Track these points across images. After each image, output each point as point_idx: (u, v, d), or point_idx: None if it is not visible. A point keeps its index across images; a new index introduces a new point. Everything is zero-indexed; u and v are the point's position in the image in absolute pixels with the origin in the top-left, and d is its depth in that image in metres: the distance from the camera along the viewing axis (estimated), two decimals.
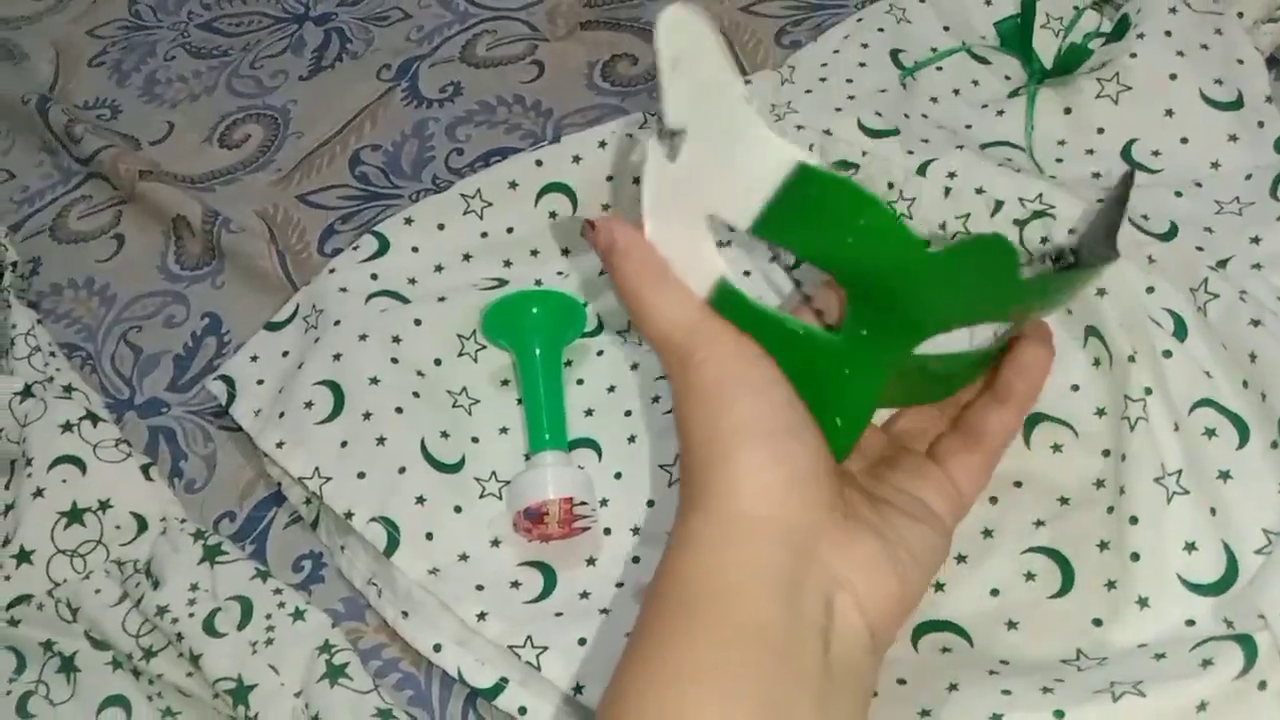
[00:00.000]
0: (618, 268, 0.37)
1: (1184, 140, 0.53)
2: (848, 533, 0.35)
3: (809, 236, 0.35)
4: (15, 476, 0.52)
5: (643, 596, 0.36)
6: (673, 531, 0.36)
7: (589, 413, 0.51)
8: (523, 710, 0.44)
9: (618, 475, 0.49)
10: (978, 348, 0.42)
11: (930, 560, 0.37)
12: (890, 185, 0.53)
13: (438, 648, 0.46)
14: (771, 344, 0.37)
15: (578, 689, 0.43)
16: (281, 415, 0.51)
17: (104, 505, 0.51)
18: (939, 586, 0.44)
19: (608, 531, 0.48)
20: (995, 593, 0.43)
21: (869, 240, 0.34)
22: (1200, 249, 0.48)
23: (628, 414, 0.50)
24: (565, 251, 0.56)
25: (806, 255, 0.36)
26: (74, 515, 0.50)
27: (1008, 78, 0.58)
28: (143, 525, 0.51)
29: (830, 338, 0.37)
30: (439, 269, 0.55)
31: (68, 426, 0.52)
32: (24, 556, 0.49)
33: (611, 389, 0.51)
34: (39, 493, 0.50)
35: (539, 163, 0.56)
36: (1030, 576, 0.43)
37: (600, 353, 0.53)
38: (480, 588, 0.46)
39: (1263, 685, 0.38)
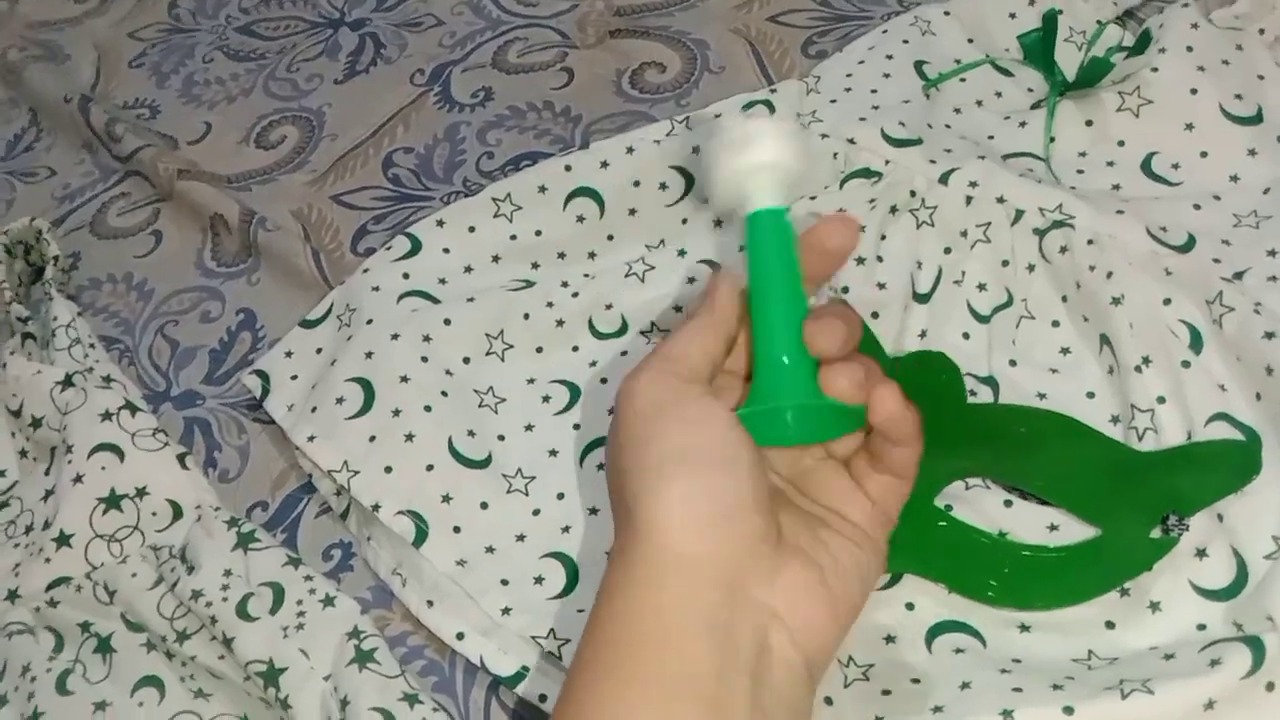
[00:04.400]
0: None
1: (1203, 154, 0.54)
2: (777, 563, 0.35)
3: None
4: (56, 463, 0.53)
5: (582, 635, 0.35)
6: (608, 569, 0.36)
7: (612, 411, 0.52)
8: (543, 698, 0.45)
9: None
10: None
11: (861, 575, 0.37)
12: (913, 193, 0.54)
13: (461, 636, 0.47)
14: None
15: None
16: (313, 410, 0.53)
17: (141, 492, 0.52)
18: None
19: None
20: None
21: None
22: (1217, 261, 0.49)
23: None
24: (591, 255, 0.57)
25: None
26: (112, 501, 0.52)
27: (1030, 90, 0.59)
28: (178, 512, 0.52)
29: None
30: (468, 270, 0.57)
31: (107, 415, 0.53)
32: (63, 540, 0.51)
33: None
34: (78, 479, 0.52)
35: (568, 168, 0.57)
36: None
37: (624, 353, 0.54)
38: (505, 582, 0.47)
39: (1270, 686, 0.38)
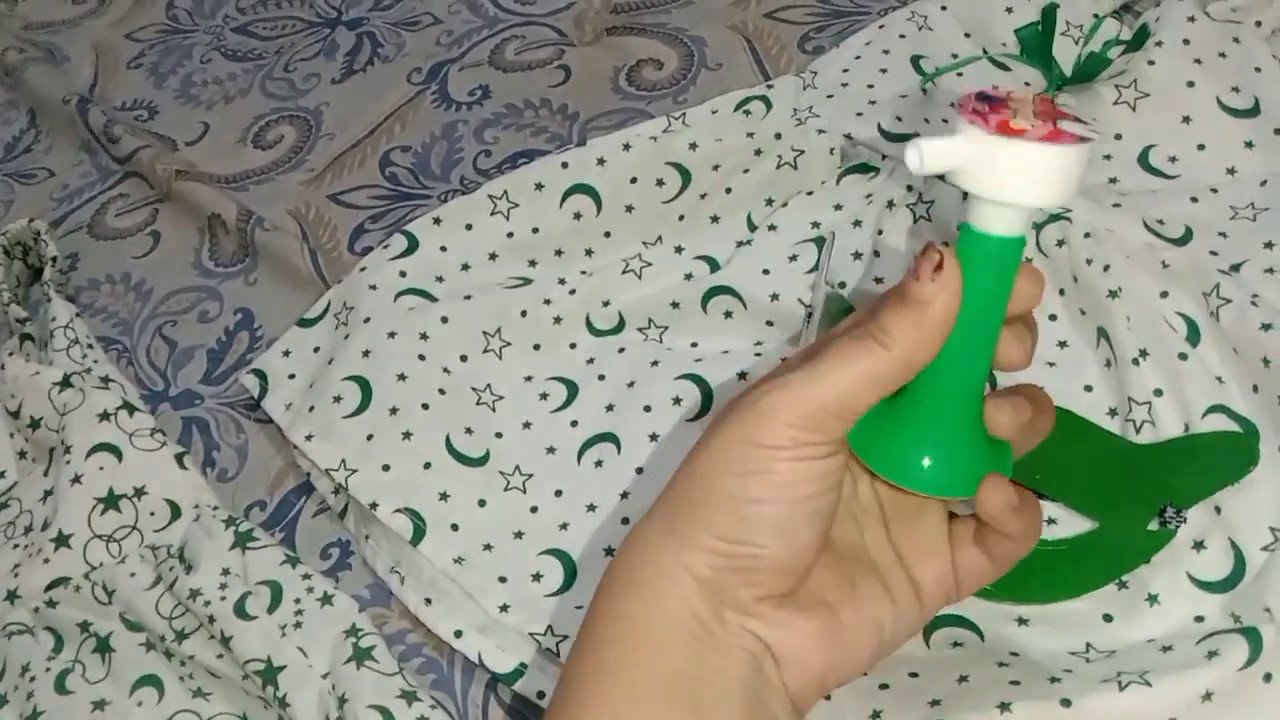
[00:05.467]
0: (901, 317, 0.32)
1: (1200, 147, 0.54)
2: (783, 615, 0.34)
3: None
4: (54, 463, 0.53)
5: (579, 632, 0.35)
6: (617, 558, 0.35)
7: (610, 408, 0.52)
8: (541, 695, 0.45)
9: (639, 470, 0.50)
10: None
11: (879, 635, 0.35)
12: (909, 188, 0.54)
13: (459, 633, 0.47)
14: None
15: None
16: (311, 409, 0.53)
17: (139, 492, 0.52)
18: None
19: (625, 521, 0.49)
20: None
21: None
22: (1214, 253, 0.49)
23: (647, 409, 0.51)
24: (588, 252, 0.57)
25: None
26: (110, 501, 0.52)
27: (1027, 84, 0.59)
28: (176, 512, 0.52)
29: None
30: (466, 268, 0.57)
31: (105, 416, 0.53)
32: (62, 540, 0.51)
33: (631, 384, 0.52)
34: (77, 479, 0.52)
35: (565, 165, 0.57)
36: None
37: (622, 350, 0.54)
38: (503, 579, 0.48)
39: (1268, 677, 0.38)
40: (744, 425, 0.33)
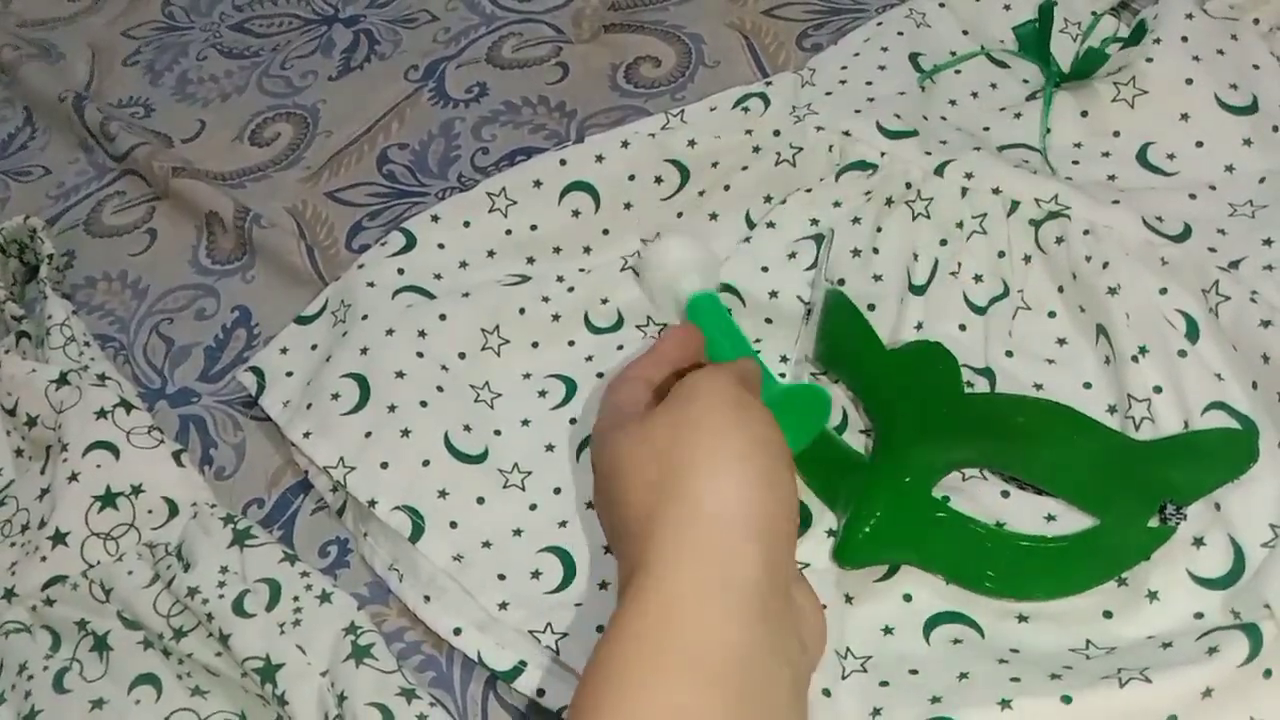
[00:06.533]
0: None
1: (1199, 144, 0.54)
2: (804, 586, 0.36)
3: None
4: (51, 461, 0.53)
5: (608, 625, 0.33)
6: (635, 558, 0.34)
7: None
8: (540, 692, 0.45)
9: None
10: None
11: None
12: (908, 185, 0.54)
13: (458, 631, 0.47)
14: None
15: None
16: (309, 406, 0.52)
17: (136, 490, 0.52)
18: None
19: None
20: None
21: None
22: (1213, 250, 0.49)
23: None
24: (586, 249, 0.57)
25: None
26: (107, 499, 0.52)
27: (1025, 81, 0.59)
28: (174, 510, 0.52)
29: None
30: (464, 265, 0.56)
31: (102, 413, 0.53)
32: (59, 538, 0.51)
33: None
34: (74, 477, 0.52)
35: (563, 162, 0.57)
36: None
37: (620, 347, 0.54)
38: (502, 577, 0.47)
39: (1268, 673, 0.38)
40: (615, 424, 0.38)
